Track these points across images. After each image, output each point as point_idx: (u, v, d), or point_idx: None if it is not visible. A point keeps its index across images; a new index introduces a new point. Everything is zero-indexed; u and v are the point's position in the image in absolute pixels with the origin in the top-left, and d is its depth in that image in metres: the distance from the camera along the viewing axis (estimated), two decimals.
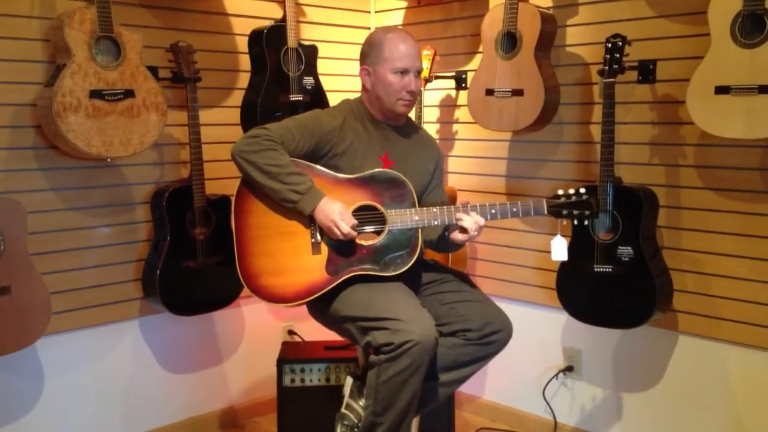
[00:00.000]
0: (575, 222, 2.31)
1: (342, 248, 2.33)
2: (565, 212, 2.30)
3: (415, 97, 2.44)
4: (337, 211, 2.26)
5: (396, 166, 2.41)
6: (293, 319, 3.47)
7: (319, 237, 2.33)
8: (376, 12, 3.68)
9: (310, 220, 2.32)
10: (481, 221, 2.28)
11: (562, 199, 2.30)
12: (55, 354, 2.81)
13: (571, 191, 2.30)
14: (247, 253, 2.34)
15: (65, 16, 2.49)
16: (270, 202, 2.33)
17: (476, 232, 2.28)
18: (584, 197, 2.29)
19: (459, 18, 3.35)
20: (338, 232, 2.26)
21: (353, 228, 2.27)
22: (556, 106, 2.93)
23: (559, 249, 2.41)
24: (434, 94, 3.47)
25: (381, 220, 2.34)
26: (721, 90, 2.38)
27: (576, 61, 2.97)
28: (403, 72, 2.37)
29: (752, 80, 2.32)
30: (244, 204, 2.35)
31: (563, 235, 2.43)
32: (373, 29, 3.64)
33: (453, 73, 3.35)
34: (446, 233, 2.35)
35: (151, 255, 2.93)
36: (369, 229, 2.35)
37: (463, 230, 2.28)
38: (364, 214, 2.34)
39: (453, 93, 3.43)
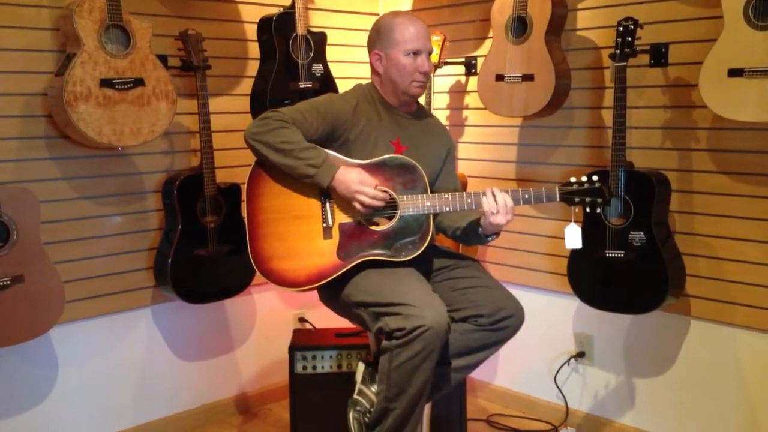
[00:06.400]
0: (587, 209, 2.30)
1: (353, 233, 2.33)
2: (577, 199, 2.29)
3: (428, 78, 2.43)
4: (356, 180, 2.26)
5: (408, 151, 2.40)
6: (304, 307, 3.48)
7: (330, 221, 2.33)
8: None
9: (324, 200, 2.32)
10: (510, 202, 2.26)
11: (575, 186, 2.29)
12: (68, 342, 2.83)
13: (584, 178, 2.29)
14: (259, 236, 2.35)
15: (75, 5, 2.49)
16: (282, 186, 2.34)
17: (509, 215, 2.25)
18: (596, 184, 2.28)
19: (468, 3, 3.33)
20: (365, 200, 2.26)
21: (377, 190, 2.27)
22: (566, 91, 2.91)
23: (573, 237, 2.40)
24: (444, 80, 3.45)
25: (393, 205, 2.34)
26: (735, 73, 2.36)
27: (587, 45, 2.95)
28: (416, 53, 2.37)
29: (766, 62, 2.30)
30: (257, 188, 2.36)
31: (577, 222, 2.42)
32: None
33: (463, 59, 3.34)
34: (478, 226, 2.33)
35: (162, 243, 2.94)
36: (380, 214, 2.34)
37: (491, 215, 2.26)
38: None
39: (463, 79, 3.41)
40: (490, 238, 2.38)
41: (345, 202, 2.33)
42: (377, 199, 2.28)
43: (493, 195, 2.26)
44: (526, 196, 2.30)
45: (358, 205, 2.29)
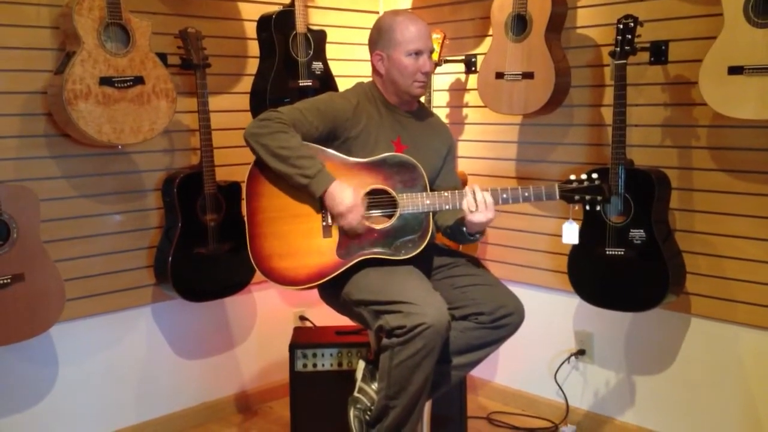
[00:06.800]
0: (587, 207, 2.30)
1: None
2: (577, 197, 2.29)
3: (429, 78, 2.43)
4: (347, 204, 2.25)
5: (408, 150, 2.40)
6: (304, 305, 3.48)
7: (330, 220, 2.33)
8: None
9: (321, 204, 2.32)
10: (489, 199, 2.26)
11: (575, 184, 2.29)
12: (69, 340, 2.83)
13: (584, 176, 2.29)
14: (259, 235, 2.35)
15: (74, 3, 2.49)
16: (281, 184, 2.33)
17: (489, 213, 2.26)
18: (596, 182, 2.28)
19: (468, 1, 3.33)
20: (346, 226, 2.27)
21: (362, 222, 2.28)
22: (566, 89, 2.91)
23: (570, 233, 2.41)
24: (444, 78, 3.45)
25: (392, 203, 2.34)
26: (735, 70, 2.35)
27: (587, 43, 2.95)
28: (417, 53, 2.37)
29: (766, 60, 2.30)
30: (256, 187, 2.36)
31: (575, 219, 2.42)
32: (381, 14, 3.62)
33: (462, 57, 3.34)
34: (463, 224, 2.33)
35: (162, 242, 2.94)
36: (379, 213, 2.34)
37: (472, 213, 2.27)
38: (376, 198, 2.34)
39: (463, 77, 3.41)
40: (473, 237, 2.38)
41: None
42: (359, 228, 2.29)
43: (473, 193, 2.26)
44: (526, 194, 2.30)
45: (341, 223, 2.29)
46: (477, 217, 2.26)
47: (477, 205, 2.25)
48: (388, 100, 2.46)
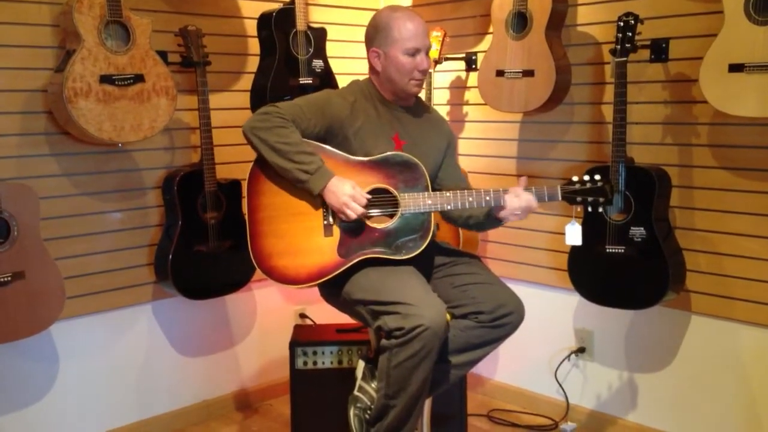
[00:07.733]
0: (589, 209, 2.30)
1: (354, 231, 2.33)
2: (579, 199, 2.29)
3: (425, 76, 2.43)
4: (347, 193, 2.25)
5: (407, 146, 2.39)
6: (305, 303, 3.48)
7: (331, 219, 2.33)
8: None
9: (321, 201, 2.32)
10: (534, 203, 2.28)
11: (577, 186, 2.29)
12: (69, 338, 2.83)
13: (586, 178, 2.29)
14: (259, 233, 2.34)
15: (75, 1, 2.49)
16: (282, 183, 2.33)
17: (525, 214, 2.30)
18: (599, 184, 2.27)
19: None
20: (350, 214, 2.26)
21: (365, 209, 2.27)
22: (567, 87, 2.91)
23: (574, 234, 2.40)
24: (444, 75, 3.45)
25: (394, 203, 2.34)
26: (735, 68, 2.35)
27: (587, 41, 2.94)
28: (415, 51, 2.36)
29: (766, 58, 2.30)
30: (257, 185, 2.35)
31: (578, 219, 2.42)
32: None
33: (463, 55, 3.33)
34: (493, 213, 2.35)
35: (162, 239, 2.94)
36: (380, 212, 2.34)
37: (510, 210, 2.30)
38: (377, 197, 2.34)
39: (463, 75, 3.41)
40: (501, 222, 2.39)
41: None
42: (364, 216, 2.29)
43: (518, 198, 2.28)
44: None
45: (343, 216, 2.29)
46: (518, 218, 2.31)
47: (521, 213, 2.29)
48: (385, 96, 2.45)
